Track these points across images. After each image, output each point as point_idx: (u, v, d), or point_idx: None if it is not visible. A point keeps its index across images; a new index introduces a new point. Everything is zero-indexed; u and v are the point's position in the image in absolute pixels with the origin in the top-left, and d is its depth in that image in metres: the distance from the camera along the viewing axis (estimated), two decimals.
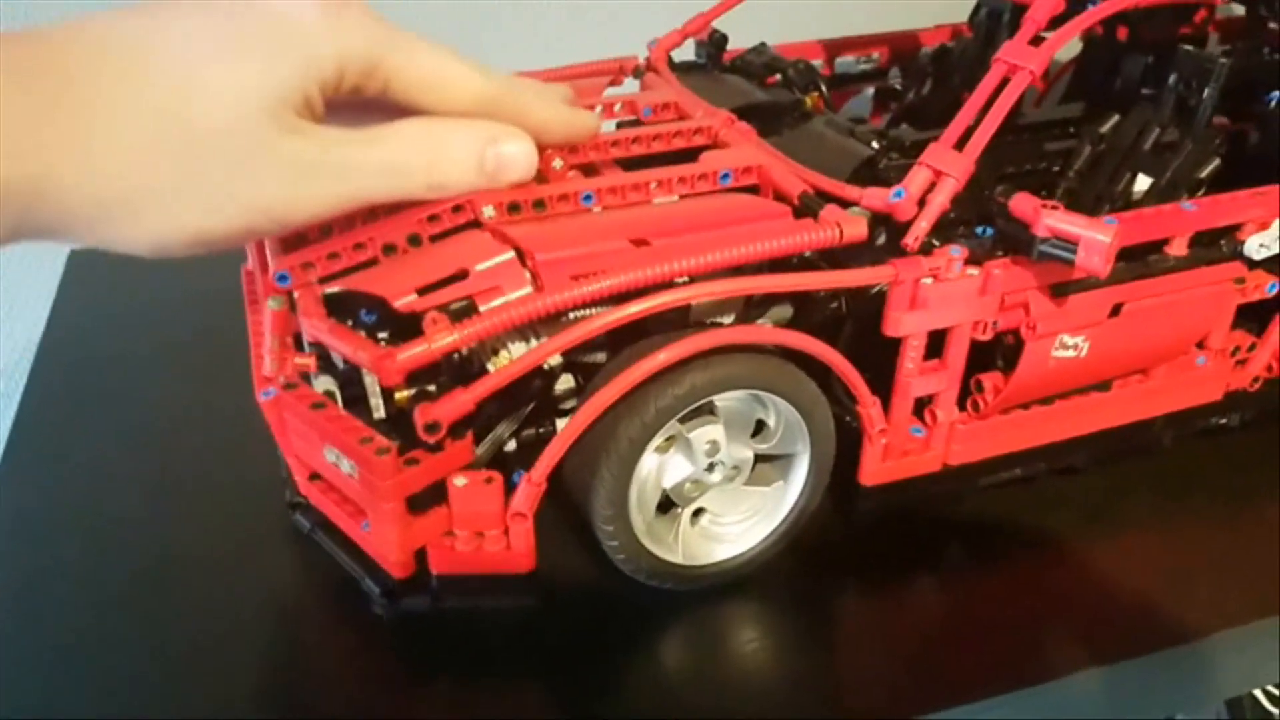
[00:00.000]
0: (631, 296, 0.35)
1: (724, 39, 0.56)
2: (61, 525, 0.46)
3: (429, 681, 0.38)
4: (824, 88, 0.53)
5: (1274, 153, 0.48)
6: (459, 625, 0.40)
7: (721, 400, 0.38)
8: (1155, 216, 0.41)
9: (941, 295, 0.38)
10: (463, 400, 0.34)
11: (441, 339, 0.34)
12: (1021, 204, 0.37)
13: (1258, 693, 0.73)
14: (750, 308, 0.43)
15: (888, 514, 0.44)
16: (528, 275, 0.36)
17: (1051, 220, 0.36)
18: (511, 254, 0.36)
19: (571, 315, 0.37)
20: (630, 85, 0.54)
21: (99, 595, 0.42)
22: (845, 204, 0.39)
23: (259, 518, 0.45)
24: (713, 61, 0.56)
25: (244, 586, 0.42)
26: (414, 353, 0.33)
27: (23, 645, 0.40)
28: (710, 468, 0.40)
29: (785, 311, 0.43)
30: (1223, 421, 0.49)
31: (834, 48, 0.62)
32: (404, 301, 0.35)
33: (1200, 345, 0.46)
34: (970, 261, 0.38)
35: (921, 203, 0.38)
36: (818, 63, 0.60)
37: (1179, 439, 0.49)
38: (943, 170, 0.38)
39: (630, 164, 0.43)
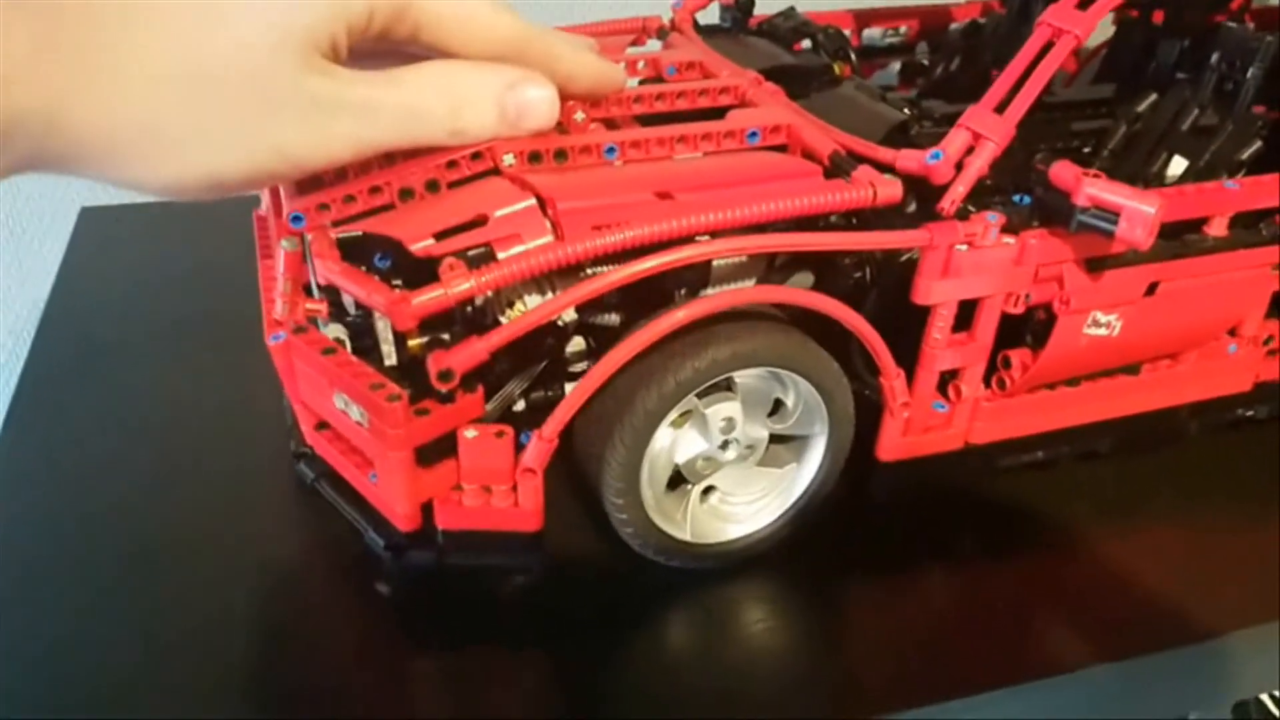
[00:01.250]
0: (654, 250, 0.34)
1: (751, 3, 0.55)
2: (61, 503, 0.44)
3: (429, 653, 0.37)
4: (853, 56, 0.52)
5: None
6: (461, 593, 0.39)
7: (740, 377, 0.37)
8: (1197, 194, 0.40)
9: (975, 263, 0.37)
10: (477, 349, 0.33)
11: (458, 285, 0.32)
12: (1062, 172, 0.36)
13: (1264, 696, 0.72)
14: (771, 273, 0.42)
15: (904, 492, 0.43)
16: (548, 224, 0.35)
17: (1093, 189, 0.35)
18: (532, 201, 0.35)
19: (589, 271, 0.36)
20: (653, 47, 0.52)
21: (96, 576, 0.40)
22: (878, 166, 0.38)
23: (259, 494, 0.44)
24: (738, 25, 0.55)
25: (243, 563, 0.41)
26: (430, 297, 0.32)
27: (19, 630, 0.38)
28: (724, 445, 0.39)
29: (806, 280, 0.42)
30: (1250, 414, 0.48)
31: (861, 19, 0.60)
32: (420, 246, 0.34)
33: (1232, 332, 0.45)
34: (1005, 230, 0.37)
35: (959, 167, 0.37)
36: (845, 33, 0.58)
37: (1205, 429, 0.47)
38: (982, 133, 0.36)
39: (652, 121, 0.42)
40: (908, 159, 0.37)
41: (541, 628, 0.38)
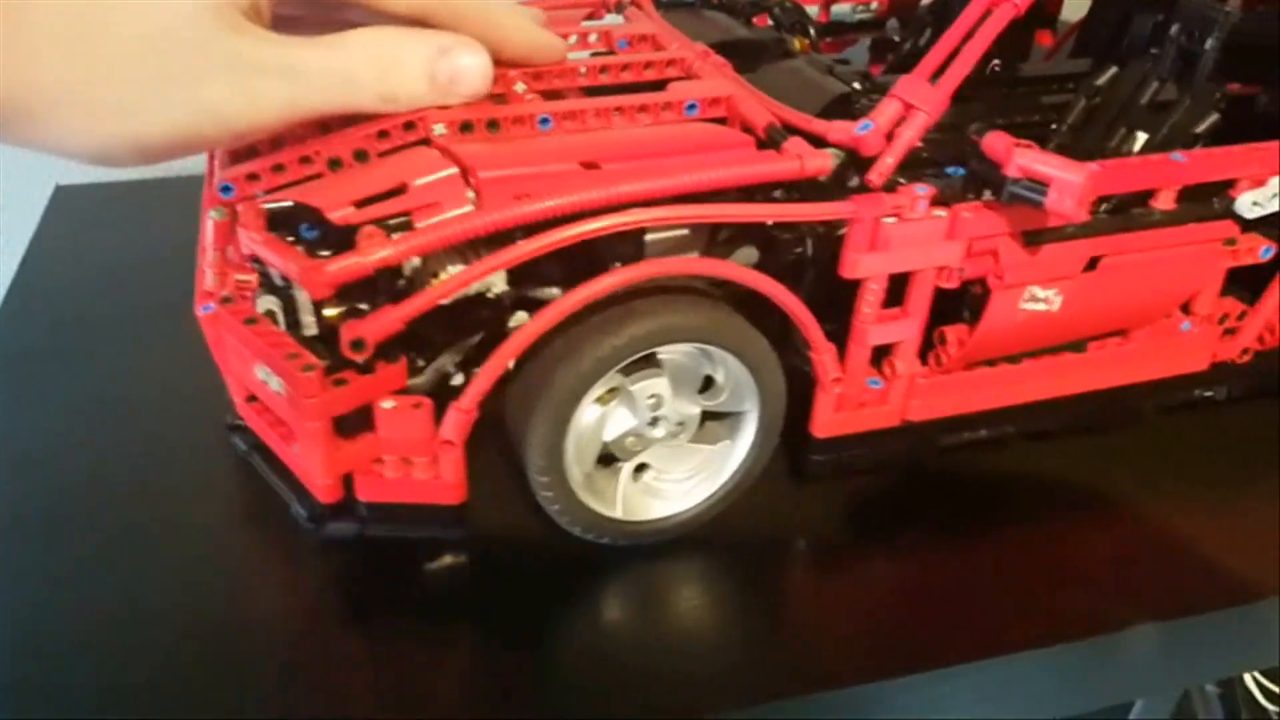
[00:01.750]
0: (576, 220, 0.34)
1: None
2: (16, 483, 0.44)
3: (353, 631, 0.37)
4: (812, 30, 0.51)
5: None
6: (389, 570, 0.39)
7: (667, 354, 0.37)
8: (1141, 166, 0.39)
9: (904, 236, 0.36)
10: (390, 318, 0.33)
11: (374, 253, 0.32)
12: (994, 143, 0.35)
13: (1253, 688, 0.71)
14: (714, 248, 0.41)
15: (841, 469, 0.42)
16: (470, 194, 0.34)
17: (1024, 160, 0.34)
18: (454, 170, 0.35)
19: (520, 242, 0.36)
20: (613, 21, 0.52)
21: (54, 558, 0.40)
22: (814, 139, 0.37)
23: (204, 471, 0.44)
24: (700, 0, 0.54)
25: (190, 537, 0.41)
26: (344, 265, 0.32)
27: None
28: (654, 422, 0.38)
29: (751, 256, 0.41)
30: (1208, 394, 0.47)
31: None
32: (339, 214, 0.33)
33: (1186, 310, 0.44)
34: (938, 203, 0.36)
35: (891, 138, 0.36)
36: (813, 10, 0.58)
37: (1160, 410, 0.47)
38: (913, 103, 0.36)
39: (598, 94, 0.41)
40: (839, 130, 0.36)
41: (467, 603, 0.38)
